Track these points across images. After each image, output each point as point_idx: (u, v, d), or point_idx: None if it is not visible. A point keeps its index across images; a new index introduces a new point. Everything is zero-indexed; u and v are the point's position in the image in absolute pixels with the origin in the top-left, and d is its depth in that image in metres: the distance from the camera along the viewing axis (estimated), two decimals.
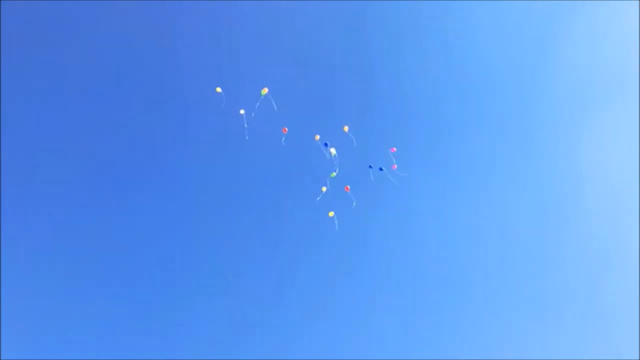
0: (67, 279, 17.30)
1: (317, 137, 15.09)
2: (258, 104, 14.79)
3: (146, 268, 17.95)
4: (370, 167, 15.35)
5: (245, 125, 15.01)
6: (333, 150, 14.90)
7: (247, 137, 15.05)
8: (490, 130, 19.79)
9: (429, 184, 19.30)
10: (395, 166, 15.50)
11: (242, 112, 15.05)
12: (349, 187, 15.05)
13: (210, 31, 19.25)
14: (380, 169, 15.37)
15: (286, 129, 15.14)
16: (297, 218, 18.84)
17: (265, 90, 14.72)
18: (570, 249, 18.92)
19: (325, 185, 15.02)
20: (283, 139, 15.14)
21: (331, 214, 15.07)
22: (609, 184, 19.18)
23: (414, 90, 19.85)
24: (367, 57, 19.95)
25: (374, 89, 19.67)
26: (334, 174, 14.93)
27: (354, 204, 15.22)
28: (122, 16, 18.54)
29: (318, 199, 15.06)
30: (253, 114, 14.91)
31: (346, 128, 15.12)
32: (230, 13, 19.27)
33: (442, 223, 19.17)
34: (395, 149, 15.53)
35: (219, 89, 15.00)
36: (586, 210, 19.20)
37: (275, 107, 14.84)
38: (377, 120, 19.29)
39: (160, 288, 17.85)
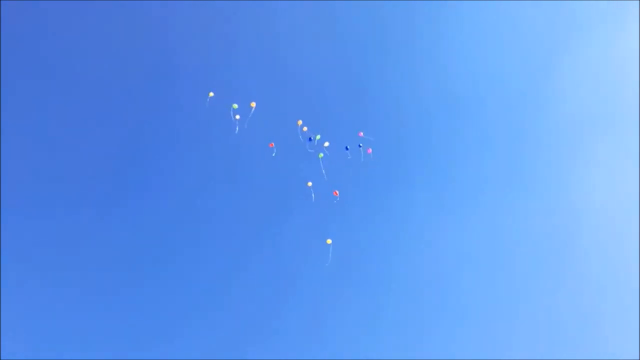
0: (67, 280, 17.35)
1: (300, 122, 15.28)
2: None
3: (146, 270, 18.03)
4: (347, 148, 15.49)
5: (237, 117, 15.06)
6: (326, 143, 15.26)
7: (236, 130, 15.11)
8: (489, 161, 19.96)
9: (424, 210, 19.45)
10: (370, 150, 15.70)
11: (236, 115, 15.12)
12: (337, 192, 15.22)
13: (210, 34, 19.37)
14: (360, 145, 15.55)
15: (273, 143, 15.30)
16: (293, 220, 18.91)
17: (253, 104, 14.92)
18: (569, 265, 19.00)
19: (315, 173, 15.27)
20: (274, 153, 15.28)
21: (329, 241, 15.26)
22: (608, 212, 19.16)
23: (410, 120, 20.06)
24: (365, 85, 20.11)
25: (371, 119, 19.74)
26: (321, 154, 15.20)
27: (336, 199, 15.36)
28: (121, 17, 18.66)
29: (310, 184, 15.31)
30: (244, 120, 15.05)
31: (318, 136, 15.37)
32: (225, 15, 19.45)
33: (438, 253, 19.12)
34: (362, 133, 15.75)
35: (211, 94, 15.09)
36: (584, 237, 19.25)
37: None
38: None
39: (160, 289, 17.93)
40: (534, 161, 19.89)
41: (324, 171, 15.12)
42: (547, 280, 18.66)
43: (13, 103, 17.44)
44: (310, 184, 15.23)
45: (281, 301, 18.24)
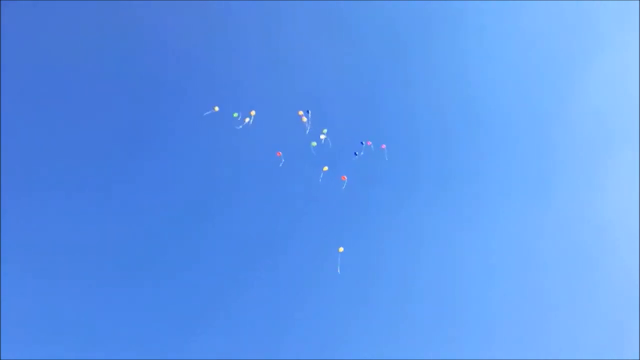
0: (66, 280, 17.31)
1: (301, 112, 15.46)
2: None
3: (146, 270, 17.99)
4: (355, 154, 15.61)
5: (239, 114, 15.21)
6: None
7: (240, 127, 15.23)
8: (509, 168, 19.89)
9: (440, 227, 19.23)
10: (384, 145, 15.90)
11: (216, 109, 15.29)
12: (345, 176, 15.30)
13: (217, 35, 19.35)
14: (361, 143, 15.68)
15: (280, 152, 15.41)
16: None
17: (252, 113, 15.07)
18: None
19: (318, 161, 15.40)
20: (281, 163, 15.37)
21: (341, 249, 15.28)
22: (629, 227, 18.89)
23: (424, 132, 19.95)
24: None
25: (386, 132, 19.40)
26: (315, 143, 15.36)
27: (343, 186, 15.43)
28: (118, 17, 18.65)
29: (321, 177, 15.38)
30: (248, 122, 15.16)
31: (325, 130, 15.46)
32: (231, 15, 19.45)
33: (455, 267, 18.95)
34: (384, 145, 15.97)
35: (216, 108, 15.23)
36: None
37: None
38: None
39: (160, 289, 17.88)
40: (555, 168, 19.83)
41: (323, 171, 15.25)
42: (548, 282, 18.72)
43: (12, 104, 17.49)
44: (326, 168, 15.33)
45: (290, 305, 18.25)
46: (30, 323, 16.73)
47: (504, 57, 20.37)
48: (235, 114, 15.19)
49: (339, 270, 15.14)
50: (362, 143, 15.61)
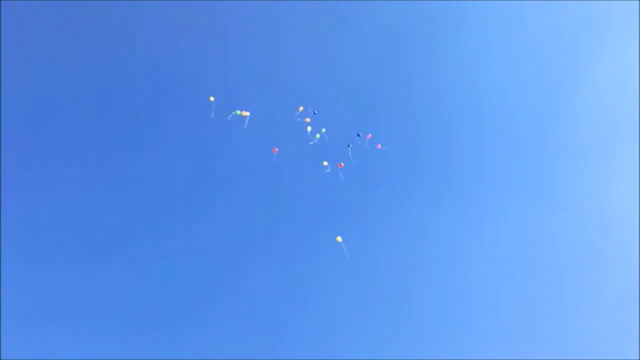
0: (67, 279, 17.31)
1: (301, 108, 15.54)
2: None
3: (146, 268, 17.98)
4: (349, 146, 15.60)
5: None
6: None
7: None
8: (513, 168, 19.80)
9: (442, 226, 19.18)
10: (379, 145, 15.90)
11: (211, 99, 15.34)
12: (342, 163, 15.36)
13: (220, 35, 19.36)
14: (358, 135, 15.69)
15: (276, 149, 15.46)
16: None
17: (245, 113, 15.14)
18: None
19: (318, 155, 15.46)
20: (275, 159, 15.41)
21: (339, 239, 15.23)
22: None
23: (426, 131, 19.88)
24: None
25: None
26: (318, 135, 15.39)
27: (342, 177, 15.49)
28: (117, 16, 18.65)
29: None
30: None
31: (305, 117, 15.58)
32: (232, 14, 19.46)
33: (456, 266, 18.86)
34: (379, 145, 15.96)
35: (211, 98, 15.26)
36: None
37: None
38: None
39: (161, 288, 17.87)
40: (557, 167, 19.69)
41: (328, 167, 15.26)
42: (550, 282, 18.67)
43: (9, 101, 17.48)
44: (325, 163, 15.34)
45: (290, 305, 18.21)
46: (29, 323, 16.75)
47: (506, 56, 20.39)
48: (238, 112, 15.24)
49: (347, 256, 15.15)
50: (358, 135, 15.63)
